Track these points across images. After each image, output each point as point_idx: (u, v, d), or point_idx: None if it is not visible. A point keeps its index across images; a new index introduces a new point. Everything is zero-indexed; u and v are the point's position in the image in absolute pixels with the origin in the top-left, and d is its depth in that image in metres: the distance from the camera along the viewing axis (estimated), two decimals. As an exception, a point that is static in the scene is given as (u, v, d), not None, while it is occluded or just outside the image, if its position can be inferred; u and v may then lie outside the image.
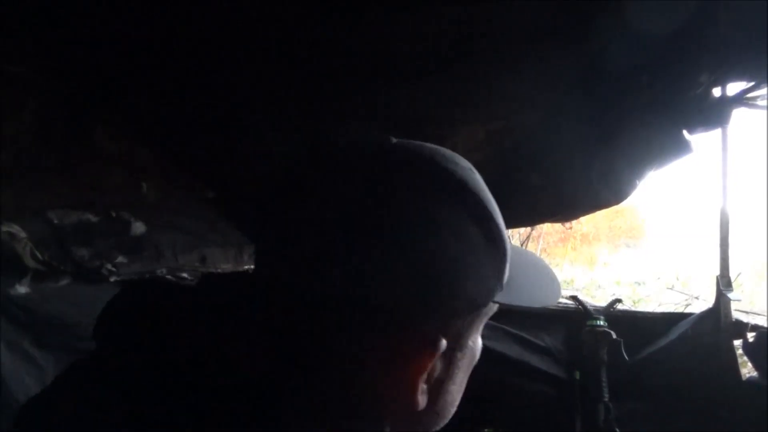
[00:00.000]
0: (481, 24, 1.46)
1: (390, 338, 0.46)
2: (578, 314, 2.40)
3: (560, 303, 2.86)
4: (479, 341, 0.57)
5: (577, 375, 2.29)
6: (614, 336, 2.23)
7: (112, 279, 2.07)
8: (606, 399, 2.19)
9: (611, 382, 2.22)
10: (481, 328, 0.57)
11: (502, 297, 0.53)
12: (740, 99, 2.10)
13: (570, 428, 2.25)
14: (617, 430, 2.17)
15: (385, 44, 1.49)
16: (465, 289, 0.47)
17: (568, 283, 7.52)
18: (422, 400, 0.49)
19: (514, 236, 3.50)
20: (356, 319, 0.45)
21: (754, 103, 2.11)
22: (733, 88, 2.09)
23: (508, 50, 1.59)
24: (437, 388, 0.51)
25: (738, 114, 2.13)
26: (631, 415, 2.21)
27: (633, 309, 4.04)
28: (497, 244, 0.50)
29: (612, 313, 2.38)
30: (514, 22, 1.48)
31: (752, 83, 2.05)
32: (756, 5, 1.58)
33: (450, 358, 0.51)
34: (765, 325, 2.28)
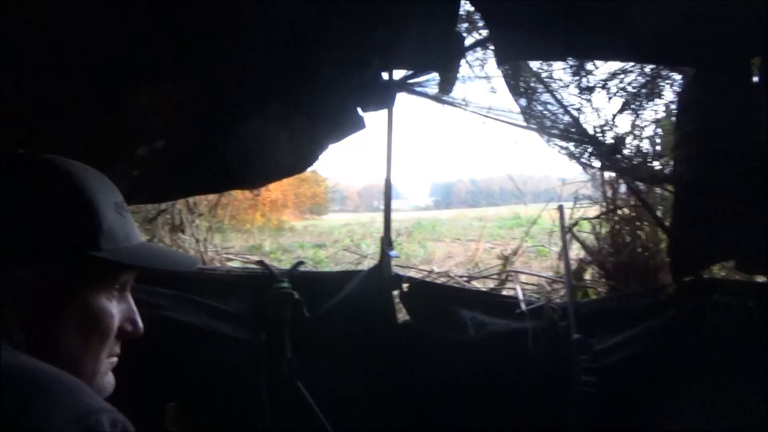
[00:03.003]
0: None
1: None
2: (265, 278, 2.48)
3: (248, 268, 2.92)
4: (107, 305, 0.76)
5: (264, 336, 2.38)
6: (297, 296, 2.38)
7: None
8: (289, 355, 2.34)
9: (295, 339, 2.38)
10: (106, 293, 0.77)
11: (146, 263, 0.81)
12: (403, 84, 2.44)
13: (256, 387, 2.33)
14: (298, 382, 2.34)
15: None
16: (42, 234, 0.70)
17: (257, 249, 7.70)
18: (19, 334, 0.68)
19: (202, 203, 3.41)
20: None
21: (413, 88, 2.48)
22: (398, 74, 2.42)
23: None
24: (44, 329, 0.70)
25: (402, 97, 2.47)
26: (311, 365, 2.40)
27: (314, 270, 4.38)
28: (82, 213, 0.73)
29: (295, 275, 2.54)
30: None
31: (412, 72, 2.40)
32: (418, 7, 1.85)
33: (56, 308, 0.71)
34: (416, 277, 2.74)
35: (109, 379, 0.81)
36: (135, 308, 0.83)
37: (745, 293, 2.06)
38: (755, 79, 1.88)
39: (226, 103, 2.02)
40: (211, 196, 3.43)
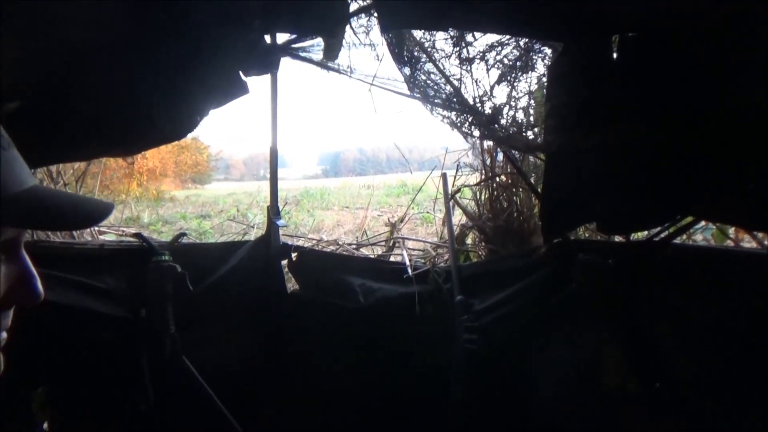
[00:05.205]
0: None
1: None
2: (143, 251, 2.34)
3: (123, 242, 2.74)
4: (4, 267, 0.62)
5: (143, 313, 2.25)
6: (179, 269, 2.28)
7: None
8: (172, 331, 2.24)
9: (178, 314, 2.28)
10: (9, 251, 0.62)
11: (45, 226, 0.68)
12: (287, 49, 2.37)
13: (136, 367, 2.22)
14: (183, 357, 2.25)
15: None
16: None
17: (134, 221, 7.26)
18: None
19: (68, 171, 3.10)
20: None
21: (298, 53, 2.41)
22: (282, 39, 2.35)
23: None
24: None
25: (287, 63, 2.40)
26: (198, 341, 2.32)
27: (197, 242, 4.21)
28: None
29: (177, 248, 2.42)
30: None
31: (295, 35, 2.33)
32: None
33: None
34: (305, 246, 2.73)
35: None
36: (31, 269, 0.65)
37: (605, 252, 2.28)
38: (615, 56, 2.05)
39: (93, 59, 1.84)
40: (79, 164, 3.14)
